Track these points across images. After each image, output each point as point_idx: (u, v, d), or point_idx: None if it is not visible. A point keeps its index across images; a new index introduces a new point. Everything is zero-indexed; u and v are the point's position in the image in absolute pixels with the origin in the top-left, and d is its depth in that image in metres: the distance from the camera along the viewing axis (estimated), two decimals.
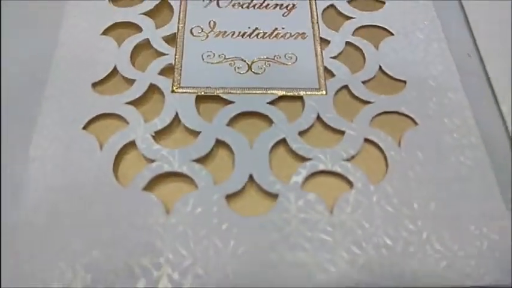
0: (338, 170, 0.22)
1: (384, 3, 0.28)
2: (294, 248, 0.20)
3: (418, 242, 0.20)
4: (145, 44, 0.26)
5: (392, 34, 0.27)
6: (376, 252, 0.20)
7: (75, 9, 0.27)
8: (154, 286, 0.19)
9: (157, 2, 0.27)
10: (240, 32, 0.26)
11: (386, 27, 0.27)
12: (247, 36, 0.26)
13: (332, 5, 0.28)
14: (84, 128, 0.23)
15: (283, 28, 0.27)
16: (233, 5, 0.28)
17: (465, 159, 0.22)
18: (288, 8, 0.28)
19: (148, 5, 0.27)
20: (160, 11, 0.27)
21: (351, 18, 0.27)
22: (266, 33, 0.26)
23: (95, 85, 0.24)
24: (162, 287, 0.19)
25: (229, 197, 0.21)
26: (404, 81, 0.25)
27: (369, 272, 0.19)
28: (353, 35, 0.27)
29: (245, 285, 0.19)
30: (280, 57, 0.25)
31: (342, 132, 0.23)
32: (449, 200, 0.21)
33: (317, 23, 0.27)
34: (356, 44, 0.26)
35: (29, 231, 0.20)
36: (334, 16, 0.28)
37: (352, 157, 0.22)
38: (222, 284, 0.19)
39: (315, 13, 0.27)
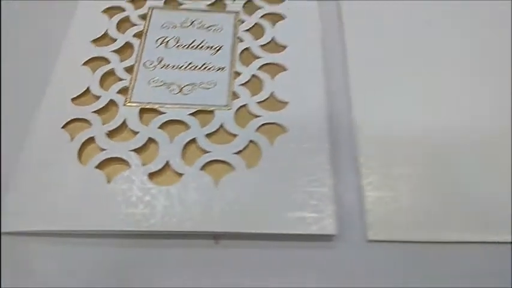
0: (227, 159, 0.32)
1: (285, 47, 0.39)
2: (187, 205, 0.30)
3: (265, 200, 0.30)
4: (111, 72, 0.37)
5: (286, 69, 0.37)
6: (229, 209, 0.30)
7: (70, 45, 0.38)
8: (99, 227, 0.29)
9: (123, 43, 0.39)
10: (179, 65, 0.38)
11: (282, 64, 0.38)
12: (184, 68, 0.37)
13: (248, 48, 0.39)
14: (63, 127, 0.34)
15: (210, 63, 0.38)
16: (177, 46, 0.39)
17: (312, 156, 0.32)
18: (216, 49, 0.39)
19: (117, 45, 0.39)
20: (125, 49, 0.39)
21: (259, 57, 0.38)
22: (197, 66, 0.38)
23: (73, 99, 0.35)
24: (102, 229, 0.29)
25: (151, 174, 0.32)
26: (287, 103, 0.35)
27: (221, 222, 0.29)
28: (258, 69, 0.38)
29: (150, 226, 0.29)
30: (203, 83, 0.36)
31: (236, 135, 0.34)
32: (293, 177, 0.31)
33: (234, 60, 0.38)
34: (259, 76, 0.37)
35: (21, 191, 0.31)
36: (248, 56, 0.39)
37: (239, 151, 0.33)
38: (138, 226, 0.29)
39: (235, 53, 0.39)
